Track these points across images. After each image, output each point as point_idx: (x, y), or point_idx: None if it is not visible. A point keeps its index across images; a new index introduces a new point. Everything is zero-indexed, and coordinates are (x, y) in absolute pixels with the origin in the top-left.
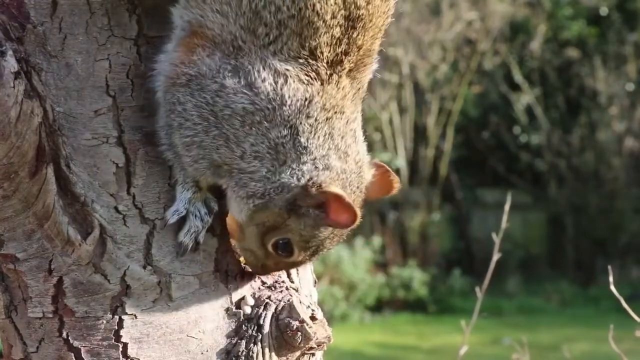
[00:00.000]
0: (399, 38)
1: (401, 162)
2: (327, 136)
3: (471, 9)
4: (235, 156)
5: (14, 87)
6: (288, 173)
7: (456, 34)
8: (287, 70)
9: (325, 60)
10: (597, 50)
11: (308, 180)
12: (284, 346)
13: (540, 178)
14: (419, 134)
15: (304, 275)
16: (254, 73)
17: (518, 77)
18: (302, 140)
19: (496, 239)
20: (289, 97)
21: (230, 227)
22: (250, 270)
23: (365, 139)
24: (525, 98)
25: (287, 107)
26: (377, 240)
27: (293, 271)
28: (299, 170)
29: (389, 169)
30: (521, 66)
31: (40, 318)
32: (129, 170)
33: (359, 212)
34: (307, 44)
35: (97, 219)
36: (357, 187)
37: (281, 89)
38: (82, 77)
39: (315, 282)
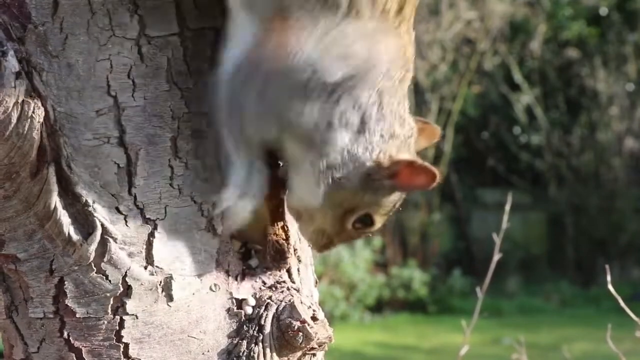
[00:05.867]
0: None
1: None
2: (399, 102)
3: (470, 9)
4: (320, 124)
5: (15, 87)
6: (362, 145)
7: (455, 34)
8: (369, 28)
9: (392, 13)
10: (597, 51)
11: (379, 153)
12: (285, 346)
13: (540, 178)
14: None
15: (305, 276)
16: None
17: (518, 77)
18: (384, 106)
19: (496, 239)
20: (384, 52)
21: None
22: (254, 268)
23: None
24: (525, 98)
25: (378, 68)
26: (377, 240)
27: (294, 271)
28: (369, 143)
29: (425, 120)
30: (521, 66)
31: (41, 318)
32: (130, 170)
33: (436, 170)
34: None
35: (98, 220)
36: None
37: (372, 48)
38: (83, 77)
39: (316, 282)
